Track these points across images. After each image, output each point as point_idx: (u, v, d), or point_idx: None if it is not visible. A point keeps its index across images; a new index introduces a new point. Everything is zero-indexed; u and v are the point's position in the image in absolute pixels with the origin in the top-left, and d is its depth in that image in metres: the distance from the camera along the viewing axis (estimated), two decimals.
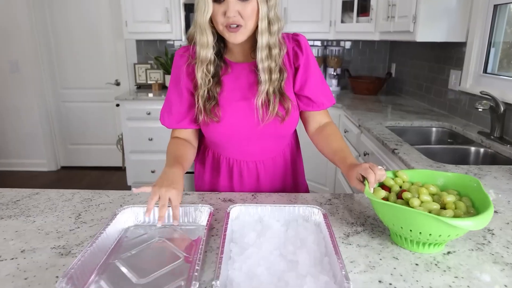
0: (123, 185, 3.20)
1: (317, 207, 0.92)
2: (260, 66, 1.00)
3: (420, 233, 0.77)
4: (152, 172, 3.03)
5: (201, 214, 0.93)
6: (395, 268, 0.76)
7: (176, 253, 0.80)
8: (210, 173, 1.20)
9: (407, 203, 0.83)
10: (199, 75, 1.01)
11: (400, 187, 0.91)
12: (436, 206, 0.81)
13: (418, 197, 0.84)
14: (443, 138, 1.97)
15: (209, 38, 0.98)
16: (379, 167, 0.89)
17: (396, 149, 1.57)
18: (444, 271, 0.76)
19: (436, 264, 0.78)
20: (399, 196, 0.87)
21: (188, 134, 1.13)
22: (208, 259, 0.78)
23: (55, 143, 3.69)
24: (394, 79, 3.14)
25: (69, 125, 3.66)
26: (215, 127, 1.06)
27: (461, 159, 1.66)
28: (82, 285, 0.68)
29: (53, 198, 1.08)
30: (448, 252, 0.82)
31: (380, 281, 0.72)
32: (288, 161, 1.20)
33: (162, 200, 0.85)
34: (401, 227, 0.79)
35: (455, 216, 0.78)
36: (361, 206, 1.03)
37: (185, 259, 0.78)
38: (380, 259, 0.79)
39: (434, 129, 2.02)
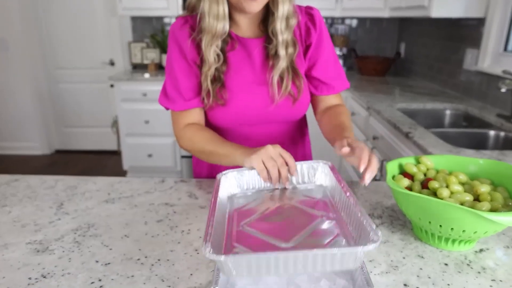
0: (119, 170, 3.10)
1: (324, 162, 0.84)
2: (280, 38, 0.89)
3: (452, 229, 0.66)
4: (149, 156, 2.93)
5: (315, 172, 0.83)
6: (421, 269, 0.66)
7: (309, 212, 0.70)
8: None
9: (434, 193, 0.73)
10: (210, 51, 0.87)
11: (425, 175, 0.80)
12: (469, 197, 0.70)
13: (447, 187, 0.73)
14: (458, 122, 1.85)
15: (225, 8, 0.85)
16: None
17: (409, 132, 1.45)
18: (479, 272, 0.65)
19: (468, 264, 0.67)
20: (424, 185, 0.76)
21: (200, 117, 0.96)
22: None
23: (49, 125, 3.57)
24: (403, 59, 2.99)
25: (62, 107, 3.53)
26: (220, 111, 0.93)
27: (479, 144, 1.54)
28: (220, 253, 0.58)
29: (33, 185, 0.98)
30: (481, 250, 0.72)
31: (405, 285, 0.62)
32: (297, 148, 1.09)
33: (278, 159, 0.78)
34: (429, 222, 0.68)
35: (492, 209, 0.67)
36: (377, 195, 0.93)
37: (323, 217, 0.68)
38: (403, 258, 0.69)
39: (448, 111, 1.89)
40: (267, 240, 0.63)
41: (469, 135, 1.58)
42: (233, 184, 0.81)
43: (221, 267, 0.52)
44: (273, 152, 0.77)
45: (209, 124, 1.00)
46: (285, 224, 0.67)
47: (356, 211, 0.61)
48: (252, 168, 0.79)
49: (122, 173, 3.07)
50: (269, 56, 0.91)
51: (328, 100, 1.01)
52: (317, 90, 0.99)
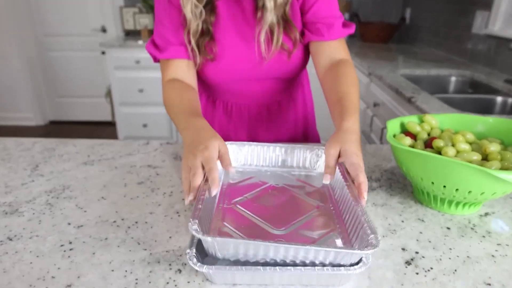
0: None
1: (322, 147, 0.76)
2: None
3: (456, 190, 0.60)
4: (144, 126, 2.86)
5: (318, 159, 0.76)
6: (421, 233, 0.60)
7: (306, 201, 0.65)
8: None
9: (438, 153, 0.66)
10: (187, 8, 0.78)
11: (428, 134, 0.73)
12: (477, 157, 0.63)
13: (453, 146, 0.66)
14: (463, 88, 1.77)
15: None
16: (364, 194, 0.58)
17: (412, 97, 1.38)
18: (483, 236, 0.60)
19: (472, 228, 0.62)
20: (427, 145, 0.70)
21: (187, 73, 0.85)
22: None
23: (41, 95, 3.49)
24: (408, 25, 2.86)
25: (54, 76, 3.43)
26: (210, 66, 0.85)
27: (485, 110, 1.47)
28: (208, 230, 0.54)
29: (9, 147, 0.91)
30: (486, 214, 0.66)
31: (403, 249, 0.56)
32: (298, 107, 1.01)
33: (207, 164, 0.59)
34: (432, 183, 0.62)
35: (502, 169, 0.61)
36: (375, 159, 0.86)
37: (320, 206, 0.63)
38: (402, 221, 0.63)
39: (453, 78, 1.81)
40: (258, 223, 0.58)
41: (475, 101, 1.50)
42: (231, 158, 0.76)
43: (206, 246, 0.47)
44: (205, 157, 0.60)
45: (202, 81, 0.92)
46: (279, 209, 0.62)
47: (357, 208, 0.55)
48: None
49: None
50: (258, 7, 0.82)
51: (330, 51, 0.84)
52: (315, 34, 0.83)
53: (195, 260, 0.47)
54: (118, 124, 2.92)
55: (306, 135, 1.06)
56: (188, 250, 0.47)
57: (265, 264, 0.47)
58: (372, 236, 0.48)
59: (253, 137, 0.99)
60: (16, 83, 3.34)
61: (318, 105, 1.12)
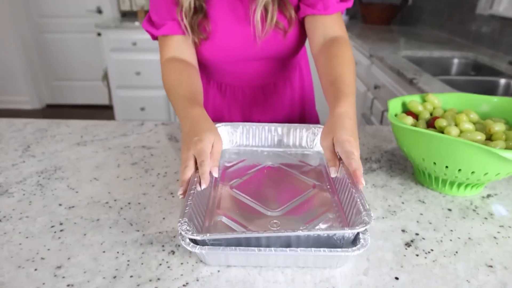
0: None
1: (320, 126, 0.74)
2: None
3: (459, 170, 0.59)
4: (142, 109, 2.83)
5: (315, 138, 0.75)
6: (421, 214, 0.59)
7: (302, 180, 0.64)
8: None
9: (441, 133, 0.64)
10: None
11: (431, 114, 0.71)
12: (481, 136, 0.61)
13: (456, 126, 0.64)
14: (466, 70, 1.73)
15: None
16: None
17: (414, 78, 1.35)
18: (486, 218, 0.58)
19: (474, 210, 0.60)
20: (430, 124, 0.67)
21: (187, 50, 0.81)
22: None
23: (37, 78, 3.44)
24: (410, 6, 2.80)
25: (50, 59, 3.37)
26: (203, 45, 0.82)
27: (488, 92, 1.44)
28: (201, 224, 0.52)
29: (0, 128, 0.89)
30: (488, 195, 0.64)
31: (403, 230, 0.55)
32: (295, 88, 0.99)
33: (199, 157, 0.56)
34: (434, 163, 0.60)
35: (507, 149, 0.59)
36: (376, 140, 0.84)
37: (317, 186, 0.61)
38: (402, 203, 0.62)
39: (456, 60, 1.77)
40: (253, 206, 0.56)
41: (478, 83, 1.47)
42: (225, 139, 0.74)
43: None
44: (198, 150, 0.57)
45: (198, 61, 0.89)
46: (274, 190, 0.61)
47: (352, 187, 0.53)
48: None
49: None
50: None
51: (325, 26, 0.79)
52: (309, 8, 0.78)
53: (187, 240, 0.45)
54: (115, 108, 2.89)
55: (303, 117, 1.03)
56: (182, 232, 0.46)
57: (260, 245, 0.46)
58: (364, 213, 0.47)
59: (247, 119, 0.97)
60: (11, 65, 3.29)
61: (318, 86, 1.09)
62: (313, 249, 0.44)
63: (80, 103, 3.52)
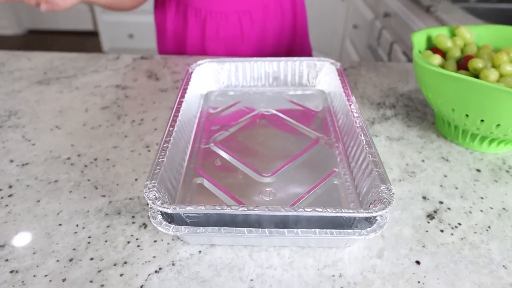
0: (99, 51, 2.81)
1: (330, 60, 0.62)
2: None
3: (498, 125, 0.48)
4: (130, 36, 2.61)
5: (318, 73, 0.63)
6: (446, 176, 0.49)
7: (303, 132, 0.53)
8: (174, 31, 0.84)
9: (476, 76, 0.52)
10: None
11: (462, 52, 0.58)
12: None
13: (495, 68, 0.52)
14: None
15: None
16: None
17: (431, 6, 1.17)
18: None
19: (508, 171, 0.50)
20: (461, 65, 0.55)
21: None
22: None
23: None
24: None
25: None
26: None
27: None
28: (176, 187, 0.43)
29: None
30: None
31: (425, 197, 0.45)
32: (287, 13, 0.83)
33: None
34: (466, 115, 0.49)
35: None
36: (390, 80, 0.72)
37: (320, 139, 0.51)
38: (423, 161, 0.52)
39: None
40: (241, 169, 0.46)
41: (503, 12, 1.30)
42: (210, 79, 0.61)
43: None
44: None
45: None
46: (268, 146, 0.49)
47: (364, 145, 0.42)
48: None
49: None
50: None
51: None
52: None
53: (159, 218, 0.35)
54: (101, 35, 2.66)
55: (292, 50, 0.89)
56: (149, 201, 0.36)
57: (251, 225, 0.36)
58: (383, 187, 0.37)
59: (230, 53, 0.83)
60: None
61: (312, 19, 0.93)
62: (317, 230, 0.35)
63: (64, 28, 3.26)
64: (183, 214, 0.36)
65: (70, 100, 0.63)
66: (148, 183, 0.36)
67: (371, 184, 0.39)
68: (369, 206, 0.38)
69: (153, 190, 0.36)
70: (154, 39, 2.76)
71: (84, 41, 3.11)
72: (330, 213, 0.33)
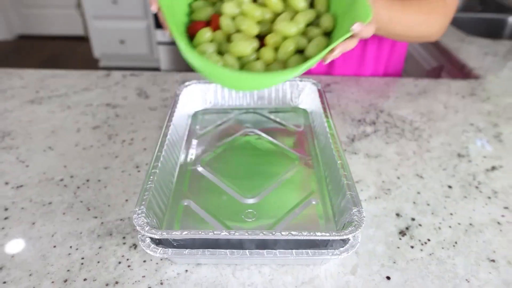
0: (90, 57, 2.81)
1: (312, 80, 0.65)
2: None
3: None
4: (121, 42, 2.62)
5: (300, 93, 0.66)
6: (419, 193, 0.52)
7: (284, 152, 0.55)
8: None
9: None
10: None
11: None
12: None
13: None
14: (473, 5, 1.58)
15: None
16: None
17: None
18: (489, 198, 0.52)
19: (477, 187, 0.54)
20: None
21: None
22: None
23: (4, 5, 3.12)
24: None
25: None
26: None
27: (495, 33, 1.32)
28: (164, 210, 0.45)
29: None
30: (493, 168, 0.58)
31: (398, 214, 0.49)
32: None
33: None
34: None
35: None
36: (371, 95, 0.75)
37: (300, 160, 0.54)
38: (398, 178, 0.55)
39: None
40: (226, 190, 0.48)
41: (484, 21, 1.34)
42: (197, 99, 0.64)
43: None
44: None
45: None
46: (252, 167, 0.52)
47: (340, 168, 0.46)
48: None
49: (93, 61, 2.80)
50: None
51: None
52: None
53: (147, 241, 0.38)
54: (92, 41, 2.67)
55: None
56: (138, 228, 0.38)
57: (233, 246, 0.39)
58: (355, 210, 0.40)
59: None
60: None
61: None
62: (293, 251, 0.38)
63: (54, 33, 3.26)
64: (170, 238, 0.38)
65: (62, 120, 0.65)
66: (137, 209, 0.39)
67: (344, 206, 0.42)
68: (343, 227, 0.41)
69: (142, 216, 0.38)
70: (145, 45, 2.77)
71: (75, 46, 3.11)
72: (304, 236, 0.36)
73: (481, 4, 1.55)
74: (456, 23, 1.25)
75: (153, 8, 0.46)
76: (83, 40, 3.12)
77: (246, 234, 0.36)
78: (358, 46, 0.78)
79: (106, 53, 2.71)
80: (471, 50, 0.98)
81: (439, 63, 1.07)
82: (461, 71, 0.91)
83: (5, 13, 3.16)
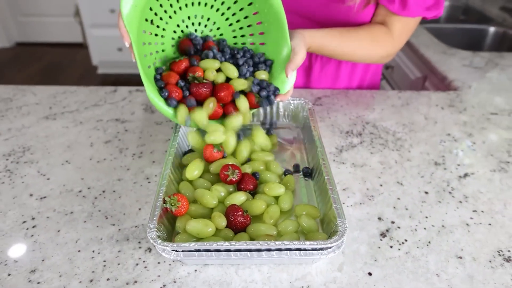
0: (89, 65, 2.87)
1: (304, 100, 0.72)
2: None
3: None
4: (119, 50, 2.68)
5: (293, 111, 0.74)
6: (399, 199, 0.59)
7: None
8: None
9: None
10: None
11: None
12: None
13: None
14: (456, 14, 1.66)
15: None
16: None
17: None
18: (460, 202, 0.59)
19: (450, 192, 0.61)
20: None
21: None
22: None
23: (3, 13, 3.17)
24: None
25: None
26: None
27: (477, 43, 1.40)
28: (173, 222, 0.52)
29: None
30: (465, 175, 0.65)
31: (380, 218, 0.55)
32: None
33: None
34: None
35: None
36: (358, 108, 0.82)
37: (293, 174, 0.62)
38: (381, 185, 0.62)
39: (446, 3, 1.68)
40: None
41: (466, 32, 1.42)
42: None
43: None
44: None
45: None
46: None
47: (328, 183, 0.52)
48: None
49: (92, 68, 2.85)
50: None
51: (389, 19, 0.71)
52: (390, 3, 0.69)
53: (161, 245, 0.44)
54: (91, 48, 2.72)
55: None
56: (152, 241, 0.44)
57: (237, 250, 0.45)
58: (339, 221, 0.46)
59: None
60: None
61: None
62: (288, 252, 0.44)
63: (52, 41, 3.30)
64: (179, 250, 0.45)
65: (76, 135, 0.72)
66: (150, 224, 0.45)
67: (330, 216, 0.49)
68: (329, 236, 0.47)
69: (154, 230, 0.45)
70: None
71: (74, 53, 3.16)
72: (295, 245, 0.43)
73: (464, 14, 1.63)
74: (440, 34, 1.32)
75: (126, 43, 0.53)
76: (81, 46, 3.16)
77: (245, 244, 0.43)
78: (333, 62, 0.86)
79: (104, 60, 2.77)
80: (452, 62, 1.05)
81: (423, 74, 1.15)
82: (442, 83, 0.99)
83: (4, 21, 3.20)
